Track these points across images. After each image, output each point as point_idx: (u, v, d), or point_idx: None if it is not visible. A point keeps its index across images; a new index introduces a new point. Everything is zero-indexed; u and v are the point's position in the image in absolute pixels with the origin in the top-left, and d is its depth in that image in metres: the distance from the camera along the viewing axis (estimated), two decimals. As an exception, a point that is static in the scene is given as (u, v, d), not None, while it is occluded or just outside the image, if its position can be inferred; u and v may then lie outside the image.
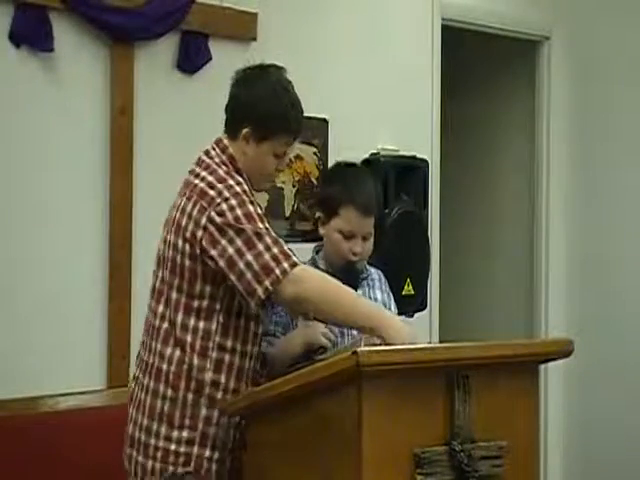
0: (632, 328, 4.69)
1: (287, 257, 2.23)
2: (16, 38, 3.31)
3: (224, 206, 2.28)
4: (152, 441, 2.36)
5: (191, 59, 3.71)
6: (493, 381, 2.11)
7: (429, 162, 4.42)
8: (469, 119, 5.62)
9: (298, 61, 4.03)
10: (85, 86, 3.49)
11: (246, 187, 2.36)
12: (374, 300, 2.68)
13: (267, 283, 2.21)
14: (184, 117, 3.72)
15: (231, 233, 2.24)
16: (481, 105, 5.58)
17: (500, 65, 5.44)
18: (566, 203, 5.08)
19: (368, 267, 2.80)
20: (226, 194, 2.31)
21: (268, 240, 2.23)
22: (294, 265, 2.23)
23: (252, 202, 2.32)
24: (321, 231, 2.66)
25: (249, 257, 2.22)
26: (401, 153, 4.31)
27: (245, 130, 2.44)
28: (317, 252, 2.73)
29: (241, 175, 2.41)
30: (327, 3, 4.18)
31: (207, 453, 2.35)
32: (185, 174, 3.71)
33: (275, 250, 2.23)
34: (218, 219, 2.27)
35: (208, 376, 2.33)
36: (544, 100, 5.06)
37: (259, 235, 2.24)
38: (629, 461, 4.66)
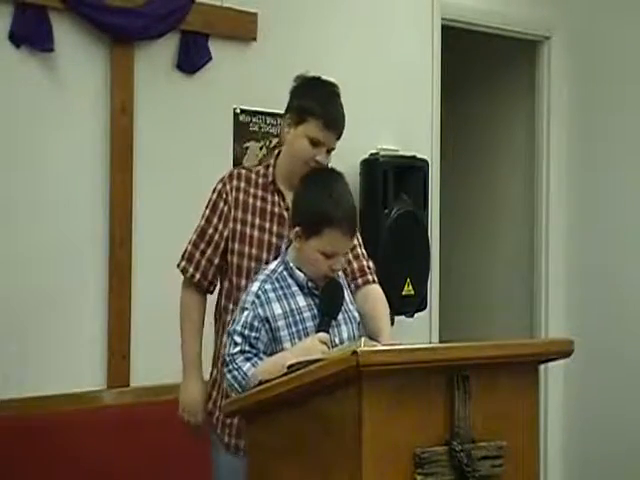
0: (632, 328, 4.69)
1: (186, 260, 2.81)
2: (16, 38, 3.32)
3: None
4: None
5: (191, 59, 3.71)
6: (493, 381, 2.11)
7: (429, 162, 4.42)
8: (469, 119, 5.62)
9: (298, 61, 4.03)
10: (85, 86, 3.49)
11: (243, 179, 2.77)
12: (345, 303, 2.55)
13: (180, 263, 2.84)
14: (184, 117, 3.72)
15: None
16: (481, 105, 5.58)
17: (500, 65, 5.44)
18: (566, 203, 5.07)
19: None
20: (223, 177, 2.81)
21: (195, 236, 2.80)
22: (184, 271, 2.83)
23: (221, 194, 2.77)
24: (296, 245, 2.49)
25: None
26: (401, 153, 4.31)
27: (287, 119, 2.72)
28: (286, 248, 2.59)
29: (274, 167, 2.78)
30: (327, 3, 4.18)
31: (213, 394, 2.79)
32: (185, 173, 3.74)
33: (189, 248, 2.81)
34: None
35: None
36: (544, 100, 5.06)
37: (200, 227, 2.80)
38: (629, 461, 4.66)
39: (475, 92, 5.59)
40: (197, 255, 2.77)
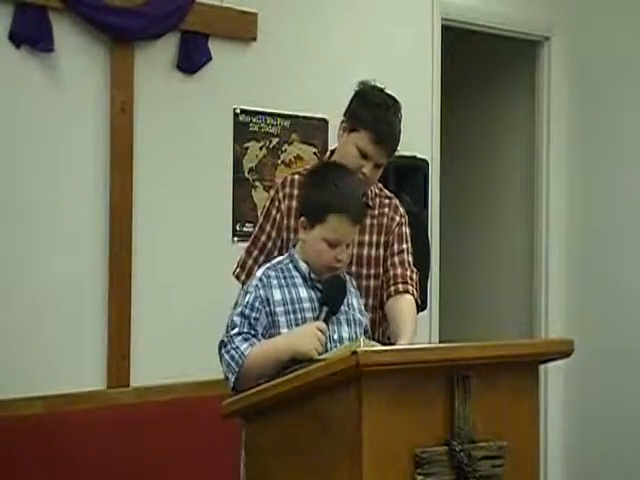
0: (632, 327, 4.69)
1: (240, 267, 2.80)
2: (16, 38, 3.32)
3: None
4: None
5: (191, 59, 3.71)
6: (493, 381, 2.11)
7: (429, 162, 4.42)
8: (469, 119, 5.62)
9: (298, 61, 4.05)
10: (85, 86, 3.49)
11: (296, 185, 2.73)
12: (351, 307, 2.53)
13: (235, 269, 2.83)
14: (184, 117, 3.72)
15: None
16: (481, 105, 5.59)
17: (500, 65, 5.44)
18: (566, 203, 5.08)
19: None
20: (277, 184, 2.83)
21: (249, 244, 2.81)
22: (237, 277, 2.79)
23: (274, 201, 2.77)
24: (301, 236, 2.50)
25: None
26: (401, 153, 4.27)
27: (342, 122, 2.77)
28: (294, 245, 2.59)
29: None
30: (327, 3, 4.18)
31: None
32: (185, 173, 3.74)
33: (244, 255, 2.81)
34: None
35: None
36: (544, 100, 5.06)
37: (254, 234, 2.81)
38: (629, 461, 4.66)
39: (475, 92, 5.59)
40: (250, 262, 2.76)
